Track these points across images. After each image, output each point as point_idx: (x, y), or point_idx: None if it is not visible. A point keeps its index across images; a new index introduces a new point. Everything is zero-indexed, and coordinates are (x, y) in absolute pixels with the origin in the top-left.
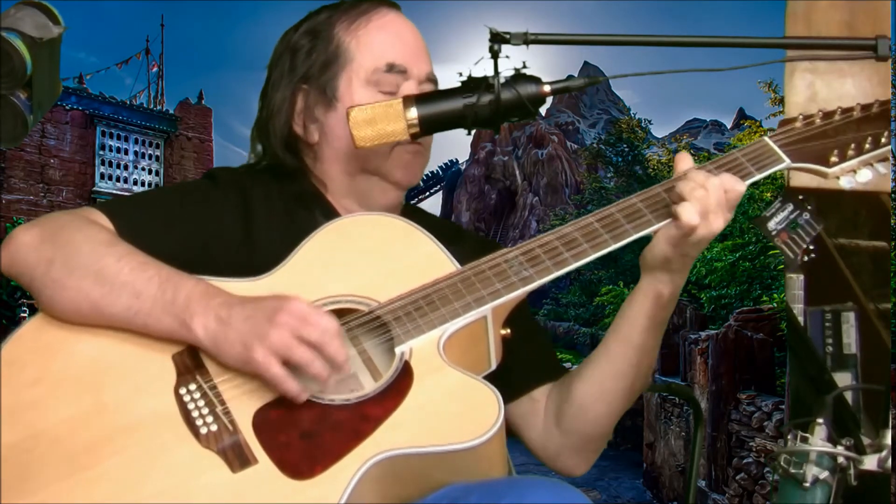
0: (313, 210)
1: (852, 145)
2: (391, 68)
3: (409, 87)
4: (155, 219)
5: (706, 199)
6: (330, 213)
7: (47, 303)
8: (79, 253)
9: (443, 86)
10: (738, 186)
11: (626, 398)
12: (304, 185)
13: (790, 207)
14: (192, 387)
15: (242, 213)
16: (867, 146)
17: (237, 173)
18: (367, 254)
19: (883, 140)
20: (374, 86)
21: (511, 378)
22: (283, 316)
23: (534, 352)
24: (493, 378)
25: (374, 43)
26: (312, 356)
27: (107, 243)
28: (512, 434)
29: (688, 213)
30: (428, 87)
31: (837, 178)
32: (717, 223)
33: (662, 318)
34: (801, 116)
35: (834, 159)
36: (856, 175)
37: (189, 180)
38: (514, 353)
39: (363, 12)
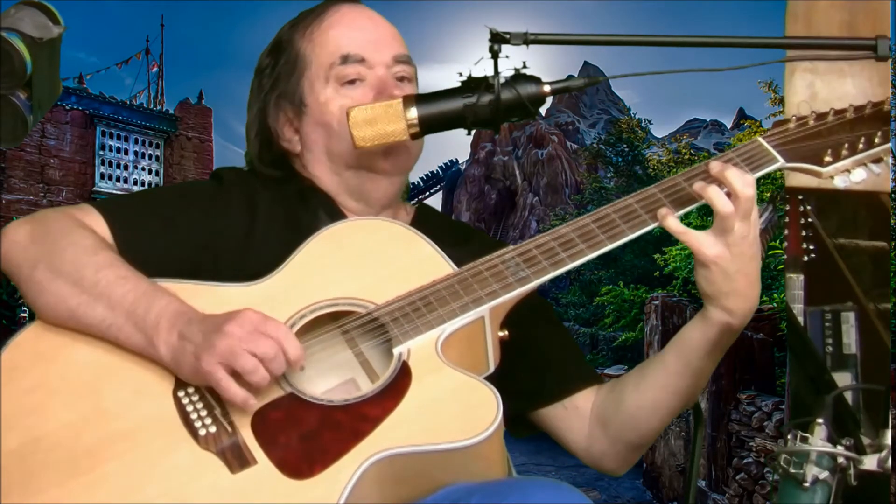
0: (317, 210)
1: (846, 145)
2: (346, 59)
3: (376, 75)
4: (153, 220)
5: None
6: (334, 211)
7: (31, 303)
8: (62, 258)
9: (443, 86)
10: (748, 207)
11: (676, 412)
12: (307, 183)
13: (770, 209)
14: (191, 389)
15: (247, 215)
16: (861, 146)
17: (244, 174)
18: (363, 257)
19: (876, 140)
20: (336, 80)
21: (548, 383)
22: (230, 325)
23: (570, 357)
24: (528, 383)
25: (327, 40)
26: (256, 364)
27: (90, 251)
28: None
29: (720, 198)
30: (399, 69)
31: (832, 177)
32: (742, 229)
33: (728, 343)
34: (794, 117)
35: (828, 159)
36: (850, 175)
37: (193, 180)
38: (549, 357)
39: (317, 15)
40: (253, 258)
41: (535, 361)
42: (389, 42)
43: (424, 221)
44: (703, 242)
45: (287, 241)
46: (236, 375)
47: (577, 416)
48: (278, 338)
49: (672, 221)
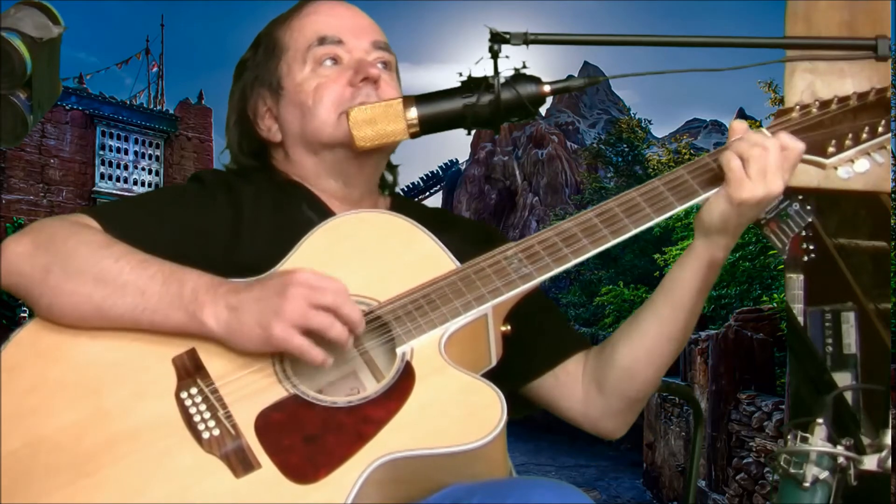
0: (300, 203)
1: (850, 135)
2: (323, 41)
3: (354, 58)
4: (144, 222)
5: (764, 157)
6: (316, 204)
7: (46, 310)
8: (76, 257)
9: (443, 86)
10: (797, 144)
11: (671, 360)
12: (285, 177)
13: (780, 196)
14: (194, 390)
15: (232, 213)
16: (864, 136)
17: (222, 173)
18: (365, 252)
19: (880, 129)
20: (313, 62)
21: (537, 355)
22: (293, 288)
23: (557, 325)
24: (518, 359)
25: (304, 26)
26: (331, 319)
27: (103, 245)
28: (528, 407)
29: (737, 171)
30: (379, 56)
31: (836, 168)
32: (776, 184)
33: (712, 281)
34: (797, 106)
35: (832, 150)
36: (853, 165)
37: (177, 184)
38: (536, 328)
39: (297, 9)
40: (244, 251)
41: (523, 337)
42: (368, 29)
43: (401, 210)
44: (743, 180)
45: (276, 231)
46: (309, 337)
47: (569, 381)
48: (338, 290)
49: (738, 123)
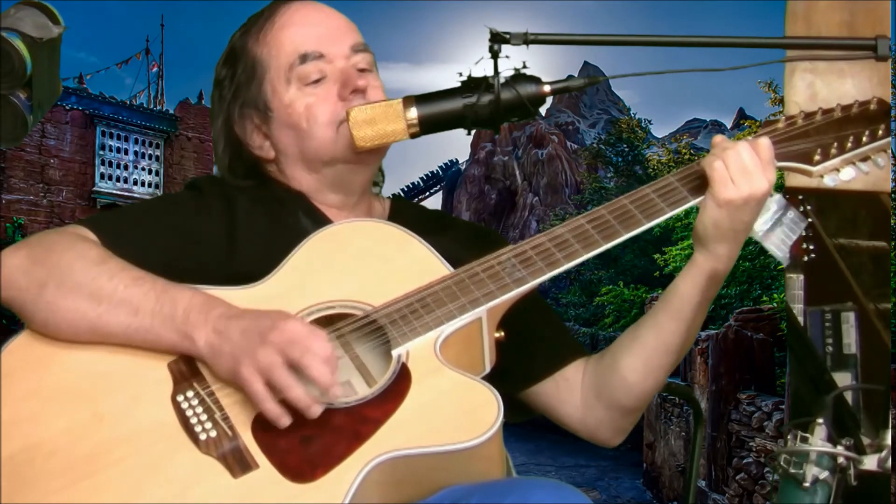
0: (296, 212)
1: (835, 144)
2: (305, 58)
3: (337, 68)
4: (140, 231)
5: (737, 156)
6: (313, 212)
7: (41, 325)
8: (71, 273)
9: (443, 86)
10: (762, 140)
11: (669, 371)
12: (282, 187)
13: (774, 207)
14: (190, 394)
15: (227, 221)
16: (849, 145)
17: (218, 180)
18: (359, 259)
19: (864, 139)
20: (299, 81)
21: (536, 361)
22: (274, 335)
23: (557, 331)
24: (517, 364)
25: (282, 42)
26: (292, 382)
27: (98, 261)
28: (522, 414)
29: (719, 171)
30: (359, 59)
31: (821, 176)
32: (759, 182)
33: (713, 294)
34: (783, 118)
35: (817, 158)
36: (839, 174)
37: (172, 192)
38: (536, 333)
39: (267, 17)
40: (239, 259)
41: (523, 342)
42: (344, 33)
43: (401, 213)
44: (727, 181)
45: (271, 239)
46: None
47: (567, 388)
48: (322, 355)
49: (718, 137)
